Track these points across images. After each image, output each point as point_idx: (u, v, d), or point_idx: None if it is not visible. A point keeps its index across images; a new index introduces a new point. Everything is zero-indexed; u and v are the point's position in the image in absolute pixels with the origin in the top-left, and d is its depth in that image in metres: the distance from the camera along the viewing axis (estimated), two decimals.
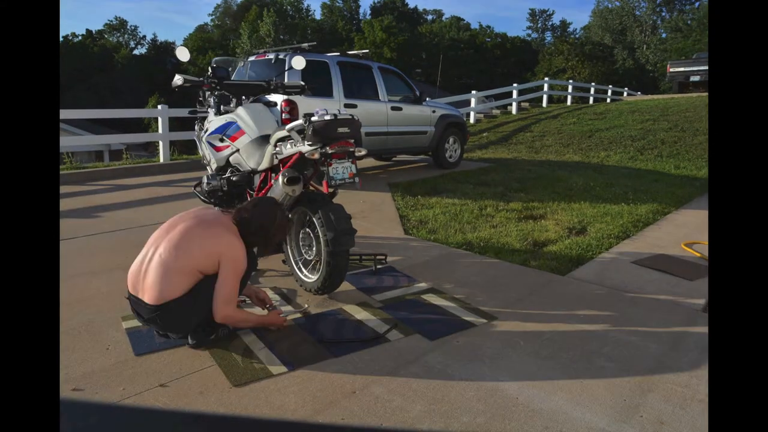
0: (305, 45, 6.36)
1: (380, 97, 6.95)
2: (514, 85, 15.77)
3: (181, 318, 2.23)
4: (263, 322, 2.48)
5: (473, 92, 14.15)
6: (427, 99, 7.74)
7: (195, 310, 2.24)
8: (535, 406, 1.93)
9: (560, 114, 14.40)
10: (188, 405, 1.91)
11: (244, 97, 3.81)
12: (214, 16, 53.33)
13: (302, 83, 4.11)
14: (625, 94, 21.96)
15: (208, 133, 3.77)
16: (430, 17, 58.36)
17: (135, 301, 2.25)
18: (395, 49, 41.94)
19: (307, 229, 2.94)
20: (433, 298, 2.94)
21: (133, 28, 52.11)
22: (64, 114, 6.68)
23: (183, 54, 3.70)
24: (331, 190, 2.87)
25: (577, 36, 53.24)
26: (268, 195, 3.15)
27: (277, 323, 2.50)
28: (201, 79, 3.78)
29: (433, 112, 7.63)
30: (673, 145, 9.80)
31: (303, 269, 3.04)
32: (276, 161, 3.11)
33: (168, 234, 2.29)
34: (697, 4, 44.27)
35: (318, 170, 2.93)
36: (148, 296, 2.19)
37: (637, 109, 13.78)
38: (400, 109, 7.10)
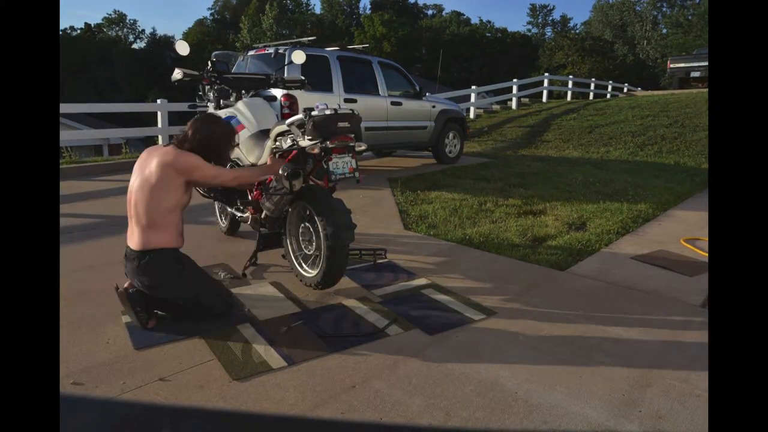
0: (305, 39, 6.34)
1: (380, 92, 6.93)
2: (514, 80, 15.73)
3: (171, 281, 2.44)
4: (265, 171, 2.88)
5: (473, 87, 14.10)
6: (427, 94, 7.73)
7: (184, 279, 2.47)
8: (535, 400, 1.94)
9: (560, 109, 14.37)
10: (188, 399, 1.92)
11: (243, 92, 3.80)
12: (213, 10, 53.22)
13: (302, 78, 4.10)
14: (625, 89, 21.91)
15: None
16: (430, 12, 58.26)
17: (127, 253, 2.47)
18: (395, 44, 41.85)
19: (307, 224, 2.94)
20: (432, 293, 2.94)
21: (132, 21, 52.06)
22: (63, 108, 6.66)
23: (182, 48, 3.68)
24: (331, 184, 2.87)
25: (577, 31, 53.10)
26: (269, 188, 3.15)
27: (276, 168, 2.82)
28: (200, 73, 3.77)
29: (433, 107, 7.61)
30: (673, 141, 9.79)
31: (303, 264, 3.04)
32: (276, 156, 3.10)
33: (133, 190, 2.49)
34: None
35: (318, 165, 2.93)
36: (133, 243, 2.45)
37: (637, 105, 13.74)
38: (399, 104, 7.09)
